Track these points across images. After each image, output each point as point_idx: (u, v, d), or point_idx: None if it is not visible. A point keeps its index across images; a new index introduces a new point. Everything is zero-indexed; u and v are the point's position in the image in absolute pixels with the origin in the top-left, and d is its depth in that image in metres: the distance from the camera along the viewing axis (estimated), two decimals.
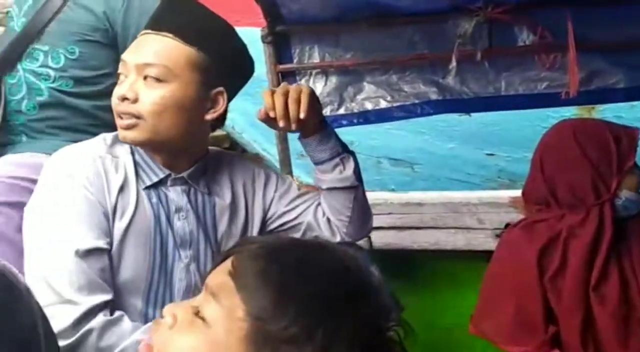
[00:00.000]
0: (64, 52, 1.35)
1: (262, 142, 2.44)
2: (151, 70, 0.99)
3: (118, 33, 1.38)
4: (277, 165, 2.09)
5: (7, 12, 1.52)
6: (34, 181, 1.15)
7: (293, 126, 1.04)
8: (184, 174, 1.07)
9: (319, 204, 1.17)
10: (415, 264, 1.62)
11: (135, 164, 1.04)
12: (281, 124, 1.03)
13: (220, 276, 0.56)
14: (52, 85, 1.36)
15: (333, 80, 1.61)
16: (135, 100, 0.99)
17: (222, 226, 1.11)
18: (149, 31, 1.03)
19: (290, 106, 1.02)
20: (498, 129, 2.13)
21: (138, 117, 0.99)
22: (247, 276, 0.54)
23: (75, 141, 1.30)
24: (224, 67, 1.03)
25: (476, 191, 1.91)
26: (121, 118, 1.00)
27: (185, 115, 1.01)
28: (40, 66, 1.36)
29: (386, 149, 2.31)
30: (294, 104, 1.02)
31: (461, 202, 1.76)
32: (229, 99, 1.07)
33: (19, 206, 1.11)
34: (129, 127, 1.00)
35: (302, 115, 1.02)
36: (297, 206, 1.17)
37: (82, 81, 1.37)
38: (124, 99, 0.99)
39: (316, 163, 1.13)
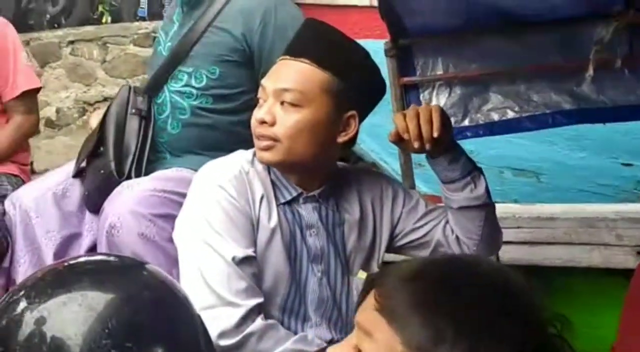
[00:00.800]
0: (206, 72, 1.46)
1: (379, 151, 2.46)
2: (287, 95, 1.03)
3: (254, 53, 1.46)
4: (394, 174, 2.10)
5: (155, 38, 1.67)
6: (180, 194, 1.27)
7: (427, 146, 1.04)
8: (315, 193, 1.11)
9: (448, 221, 1.16)
10: (546, 282, 1.55)
11: (272, 181, 1.10)
12: (416, 145, 1.04)
13: (368, 313, 0.55)
14: (194, 103, 1.47)
15: (457, 91, 1.59)
16: (273, 124, 1.04)
17: (351, 242, 1.14)
18: (287, 57, 1.08)
19: (423, 127, 1.03)
20: (636, 138, 1.98)
21: (275, 139, 1.04)
22: (395, 308, 0.53)
23: (215, 157, 1.41)
24: (357, 91, 1.06)
25: (612, 204, 1.79)
26: (259, 139, 1.06)
27: (318, 138, 1.05)
28: (184, 86, 1.48)
29: (508, 159, 2.22)
30: (427, 124, 1.03)
31: (597, 217, 1.64)
32: (361, 121, 1.10)
33: (170, 217, 1.22)
34: (266, 149, 1.05)
35: (435, 134, 1.02)
36: (426, 223, 1.17)
37: (221, 98, 1.47)
38: (262, 122, 1.05)
39: (445, 182, 1.12)
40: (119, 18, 5.41)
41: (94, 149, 1.47)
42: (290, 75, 1.05)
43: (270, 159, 1.06)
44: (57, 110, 3.44)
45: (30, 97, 1.79)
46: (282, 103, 1.04)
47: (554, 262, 1.60)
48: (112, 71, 3.98)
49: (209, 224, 1.01)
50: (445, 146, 1.07)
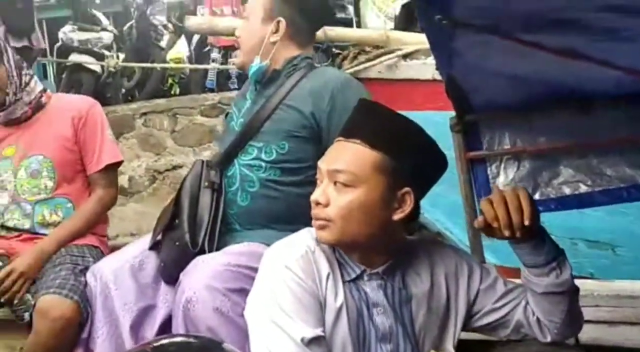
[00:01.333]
0: (276, 147, 1.52)
1: (443, 221, 2.44)
2: (340, 176, 1.07)
3: (322, 130, 1.53)
4: (461, 245, 2.07)
5: (227, 114, 1.76)
6: (253, 268, 1.30)
7: (517, 234, 1.01)
8: (379, 270, 1.12)
9: (528, 302, 1.13)
10: None
11: (337, 259, 1.12)
12: (506, 233, 1.01)
13: None
14: (263, 175, 1.53)
15: (526, 165, 1.58)
16: (327, 205, 1.07)
17: (420, 319, 1.12)
18: (341, 139, 1.13)
19: (513, 215, 1.00)
20: None
21: (328, 220, 1.07)
22: None
23: (283, 230, 1.45)
24: (411, 168, 1.08)
25: None
26: (315, 220, 1.10)
27: (371, 217, 1.07)
28: (254, 159, 1.54)
29: (581, 230, 2.14)
30: (517, 212, 1.00)
31: None
32: (419, 197, 1.11)
33: (243, 292, 1.25)
34: (321, 228, 1.09)
35: (527, 223, 1.00)
36: (505, 304, 1.15)
37: (289, 171, 1.53)
38: (317, 203, 1.09)
39: (528, 266, 1.09)
40: (187, 90, 5.75)
41: (169, 222, 1.54)
42: (342, 157, 1.09)
43: (325, 239, 1.09)
44: (130, 179, 3.63)
45: (112, 170, 1.90)
46: (335, 184, 1.08)
47: (637, 344, 1.50)
48: (181, 140, 4.18)
49: (278, 304, 1.03)
50: (531, 232, 1.04)
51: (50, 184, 1.80)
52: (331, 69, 1.93)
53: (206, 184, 1.53)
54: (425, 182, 1.14)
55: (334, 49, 2.81)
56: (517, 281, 1.18)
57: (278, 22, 1.58)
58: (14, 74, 1.78)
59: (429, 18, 1.07)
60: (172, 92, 6.21)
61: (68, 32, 5.05)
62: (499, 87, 1.46)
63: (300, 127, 1.53)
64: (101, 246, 1.86)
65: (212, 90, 5.07)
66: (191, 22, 2.34)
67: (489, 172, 1.61)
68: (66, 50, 4.98)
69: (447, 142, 1.56)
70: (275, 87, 1.58)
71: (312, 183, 1.41)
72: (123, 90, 5.41)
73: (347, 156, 1.08)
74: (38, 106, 1.84)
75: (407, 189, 1.08)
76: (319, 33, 2.41)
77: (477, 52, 1.18)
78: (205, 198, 1.51)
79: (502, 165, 1.60)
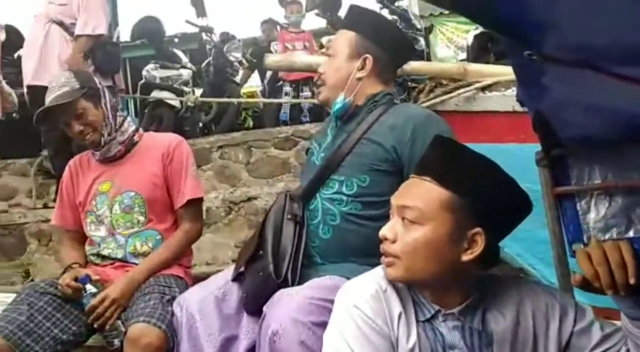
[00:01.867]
0: (357, 180, 1.54)
1: (526, 257, 2.34)
2: (408, 212, 1.08)
3: (404, 163, 1.53)
4: (545, 281, 1.98)
5: (308, 149, 1.80)
6: (334, 302, 1.31)
7: (621, 293, 0.95)
8: (455, 310, 1.09)
9: (629, 350, 1.07)
10: None
11: (412, 298, 1.10)
12: (609, 293, 0.95)
13: None
14: (344, 209, 1.54)
15: (618, 200, 1.49)
16: (394, 241, 1.09)
17: None
18: (414, 175, 1.13)
19: (616, 273, 0.94)
20: None
21: (395, 256, 1.08)
22: None
23: (364, 264, 1.45)
24: (483, 207, 1.06)
25: None
26: (383, 256, 1.11)
27: (438, 256, 1.06)
28: (335, 193, 1.56)
29: None
30: (620, 269, 0.94)
31: None
32: (495, 238, 1.08)
33: (326, 326, 1.25)
34: (388, 265, 1.10)
35: (632, 281, 0.93)
36: (605, 351, 1.09)
37: (370, 205, 1.53)
38: (385, 238, 1.10)
39: (632, 318, 1.02)
40: (261, 123, 5.92)
41: (253, 253, 1.57)
42: (412, 193, 1.10)
43: (392, 276, 1.10)
44: (207, 210, 3.73)
45: (195, 205, 1.98)
46: (403, 220, 1.09)
47: None
48: (255, 172, 4.29)
49: (348, 344, 1.04)
50: (637, 288, 0.97)
51: (141, 218, 1.90)
52: (413, 105, 1.94)
53: (289, 216, 1.56)
54: (502, 223, 1.11)
55: (409, 83, 2.82)
56: (617, 322, 1.11)
57: (365, 59, 1.61)
58: (110, 116, 1.91)
59: (518, 54, 1.06)
60: (246, 126, 6.40)
61: (151, 70, 5.34)
62: (590, 121, 1.41)
63: (381, 161, 1.54)
64: (186, 277, 1.93)
65: (285, 123, 5.19)
66: (269, 60, 2.42)
67: (578, 208, 1.54)
68: (149, 87, 5.26)
69: (531, 176, 1.52)
70: (357, 122, 1.61)
71: None
72: (200, 124, 5.64)
73: (416, 193, 1.09)
74: (131, 145, 1.95)
75: (478, 229, 1.06)
76: None
77: (567, 87, 1.15)
78: (289, 230, 1.54)
79: (593, 201, 1.52)
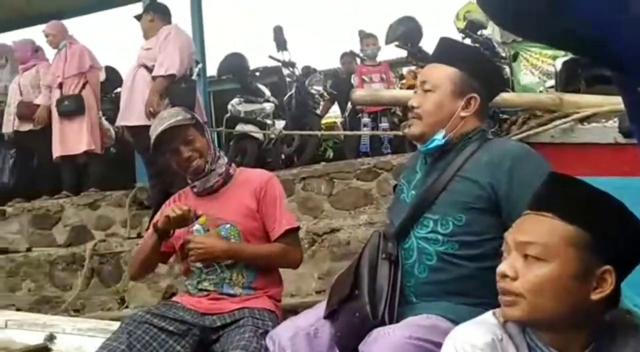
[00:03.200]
0: (452, 219, 1.50)
1: (632, 297, 2.19)
2: (531, 248, 1.04)
3: (500, 201, 1.48)
4: None
5: (396, 185, 1.78)
6: (433, 342, 1.29)
7: None
8: None
9: None
10: None
11: (528, 345, 1.05)
12: None
13: None
14: (440, 248, 1.50)
15: None
16: (515, 278, 1.04)
17: None
18: (530, 212, 1.09)
19: None
20: None
21: (517, 295, 1.04)
22: None
23: (461, 303, 1.41)
24: (611, 245, 1.01)
25: None
26: (503, 295, 1.07)
27: (565, 294, 1.02)
28: (430, 232, 1.52)
29: None
30: None
31: None
32: (622, 276, 1.02)
33: None
34: (509, 305, 1.06)
35: None
36: None
37: (466, 244, 1.49)
38: (504, 276, 1.06)
39: None
40: (341, 154, 5.97)
41: (349, 293, 1.56)
42: (533, 229, 1.06)
43: (513, 317, 1.06)
44: None
45: (293, 235, 2.03)
46: (525, 257, 1.05)
47: None
48: (337, 204, 4.31)
49: None
50: None
51: None
52: (507, 140, 1.89)
53: (384, 255, 1.54)
54: (629, 259, 1.05)
55: (500, 114, 2.76)
56: None
57: (471, 98, 1.58)
58: (211, 146, 2.01)
59: (629, 89, 1.01)
60: (326, 157, 6.49)
61: (236, 105, 5.56)
62: None
63: (477, 199, 1.50)
64: (277, 311, 1.95)
65: (366, 154, 5.21)
66: (356, 95, 2.45)
67: None
68: (234, 120, 5.48)
69: (638, 210, 1.44)
70: (449, 159, 1.57)
71: (492, 256, 1.39)
72: (283, 156, 5.77)
73: (539, 229, 1.06)
74: (227, 177, 2.03)
75: (607, 267, 1.01)
76: None
77: None
78: (384, 270, 1.52)
79: None
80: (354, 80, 5.91)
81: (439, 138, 1.57)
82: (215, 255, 1.88)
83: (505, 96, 2.10)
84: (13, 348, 2.36)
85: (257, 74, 6.26)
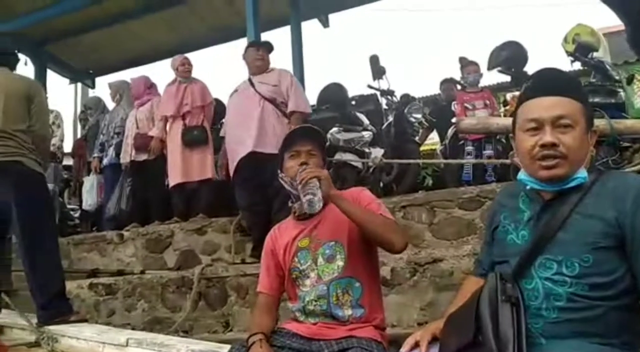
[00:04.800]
0: (578, 261, 1.41)
1: None
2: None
3: (626, 235, 1.39)
4: None
5: (496, 227, 1.66)
6: None
7: None
8: None
9: None
10: None
11: None
12: None
13: None
14: (569, 290, 1.42)
15: None
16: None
17: None
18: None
19: None
20: None
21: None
22: None
23: (595, 342, 1.33)
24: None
25: None
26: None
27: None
28: (555, 274, 1.44)
29: None
30: None
31: None
32: None
33: None
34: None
35: None
36: None
37: (597, 286, 1.40)
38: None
39: None
40: (441, 182, 5.86)
41: (473, 339, 1.46)
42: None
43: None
44: (392, 270, 3.74)
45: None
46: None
47: None
48: (439, 233, 4.22)
49: None
50: None
51: (341, 264, 1.97)
52: (625, 173, 1.76)
53: (503, 298, 1.46)
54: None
55: (621, 142, 2.58)
56: None
57: (594, 132, 1.53)
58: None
59: None
60: (425, 185, 6.39)
61: (335, 134, 5.63)
62: None
63: (603, 236, 1.40)
64: (384, 342, 1.92)
65: (468, 183, 5.07)
66: (464, 124, 2.41)
67: None
68: (333, 149, 5.55)
69: None
70: (563, 195, 1.49)
71: (627, 294, 1.33)
72: (381, 184, 5.76)
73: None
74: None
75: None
76: (606, 126, 2.26)
77: None
78: (506, 313, 1.43)
79: None
80: (455, 107, 5.82)
81: (582, 176, 1.48)
82: (324, 176, 1.89)
83: (627, 123, 1.97)
84: None
85: (353, 102, 6.33)
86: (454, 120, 5.31)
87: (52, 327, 3.17)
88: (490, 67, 5.33)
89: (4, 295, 3.43)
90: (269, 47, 4.78)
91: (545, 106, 1.49)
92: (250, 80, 4.68)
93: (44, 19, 6.90)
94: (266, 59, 4.72)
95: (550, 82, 1.55)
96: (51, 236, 3.46)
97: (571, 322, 1.41)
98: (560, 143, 1.46)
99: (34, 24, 7.03)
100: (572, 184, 1.48)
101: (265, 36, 6.22)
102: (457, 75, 6.23)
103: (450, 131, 5.72)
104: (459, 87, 6.10)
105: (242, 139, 4.46)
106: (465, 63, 5.81)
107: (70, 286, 4.64)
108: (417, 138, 5.97)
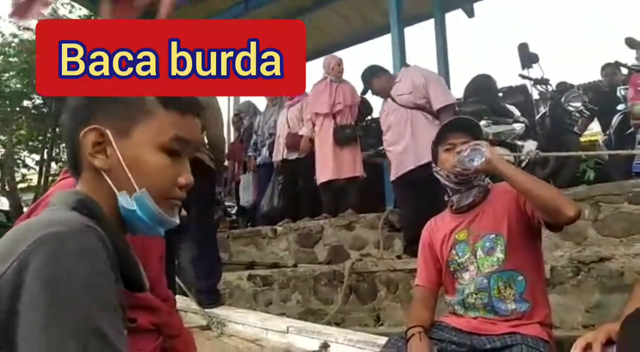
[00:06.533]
0: None
1: None
2: None
3: None
4: None
5: None
6: None
7: None
8: None
9: None
10: None
11: None
12: None
13: None
14: None
15: None
16: None
17: None
18: None
19: None
20: None
21: None
22: None
23: None
24: None
25: None
26: None
27: None
28: None
29: None
30: None
31: None
32: None
33: None
34: None
35: None
36: None
37: None
38: None
39: None
40: (605, 175, 5.37)
41: None
42: None
43: None
44: (552, 269, 3.51)
45: None
46: None
47: None
48: (604, 230, 3.88)
49: None
50: None
51: (501, 256, 1.90)
52: None
53: None
54: None
55: None
56: None
57: None
58: None
59: None
60: (586, 179, 5.90)
61: (483, 127, 5.42)
62: None
63: None
64: (551, 341, 1.82)
65: (639, 176, 4.58)
66: (639, 108, 2.18)
67: None
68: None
69: None
70: None
71: None
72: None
73: None
74: (486, 192, 2.02)
75: None
76: None
77: None
78: None
79: None
80: (621, 93, 5.29)
81: None
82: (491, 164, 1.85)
83: None
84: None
85: (500, 94, 6.03)
86: (620, 107, 4.84)
87: (218, 312, 3.45)
88: None
89: (179, 281, 3.79)
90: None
91: None
92: (390, 96, 4.68)
93: None
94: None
95: None
96: (215, 229, 3.80)
97: None
98: None
99: None
100: None
101: (408, 31, 6.19)
102: (622, 59, 5.66)
103: (615, 119, 5.21)
104: (624, 70, 5.53)
105: (402, 159, 4.48)
106: (635, 44, 5.24)
107: (231, 276, 5.01)
108: (576, 128, 5.53)
